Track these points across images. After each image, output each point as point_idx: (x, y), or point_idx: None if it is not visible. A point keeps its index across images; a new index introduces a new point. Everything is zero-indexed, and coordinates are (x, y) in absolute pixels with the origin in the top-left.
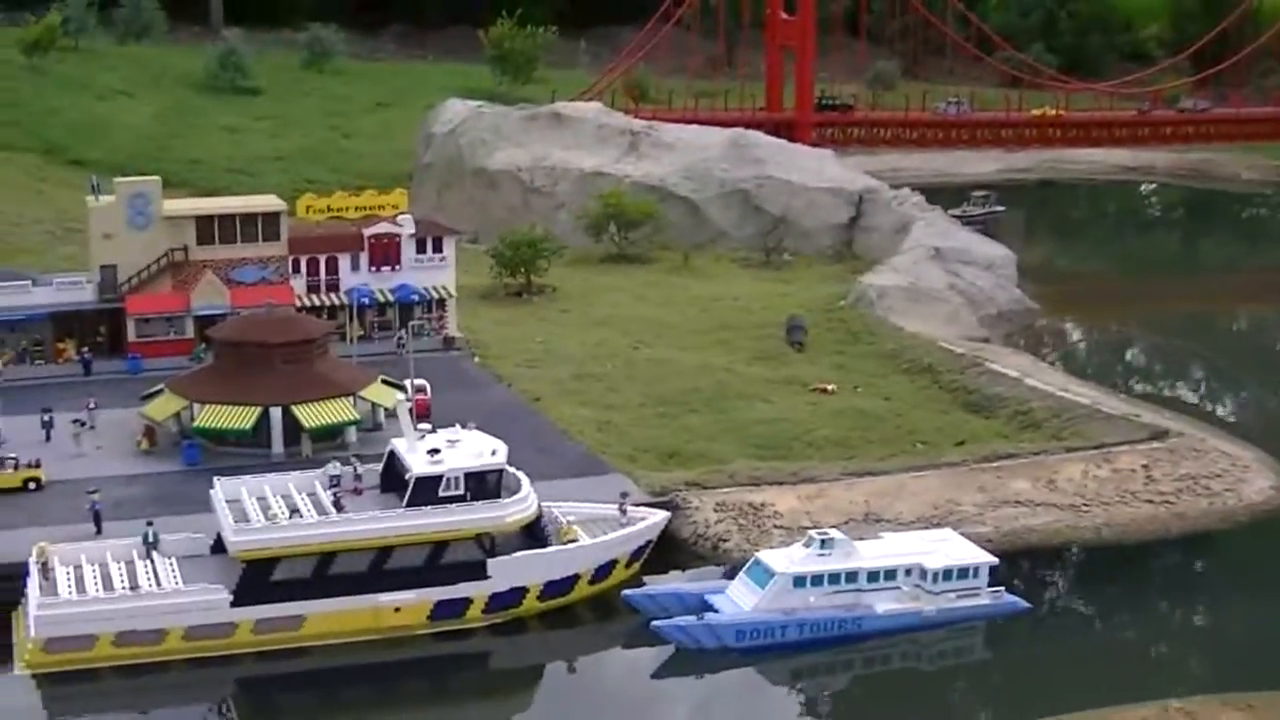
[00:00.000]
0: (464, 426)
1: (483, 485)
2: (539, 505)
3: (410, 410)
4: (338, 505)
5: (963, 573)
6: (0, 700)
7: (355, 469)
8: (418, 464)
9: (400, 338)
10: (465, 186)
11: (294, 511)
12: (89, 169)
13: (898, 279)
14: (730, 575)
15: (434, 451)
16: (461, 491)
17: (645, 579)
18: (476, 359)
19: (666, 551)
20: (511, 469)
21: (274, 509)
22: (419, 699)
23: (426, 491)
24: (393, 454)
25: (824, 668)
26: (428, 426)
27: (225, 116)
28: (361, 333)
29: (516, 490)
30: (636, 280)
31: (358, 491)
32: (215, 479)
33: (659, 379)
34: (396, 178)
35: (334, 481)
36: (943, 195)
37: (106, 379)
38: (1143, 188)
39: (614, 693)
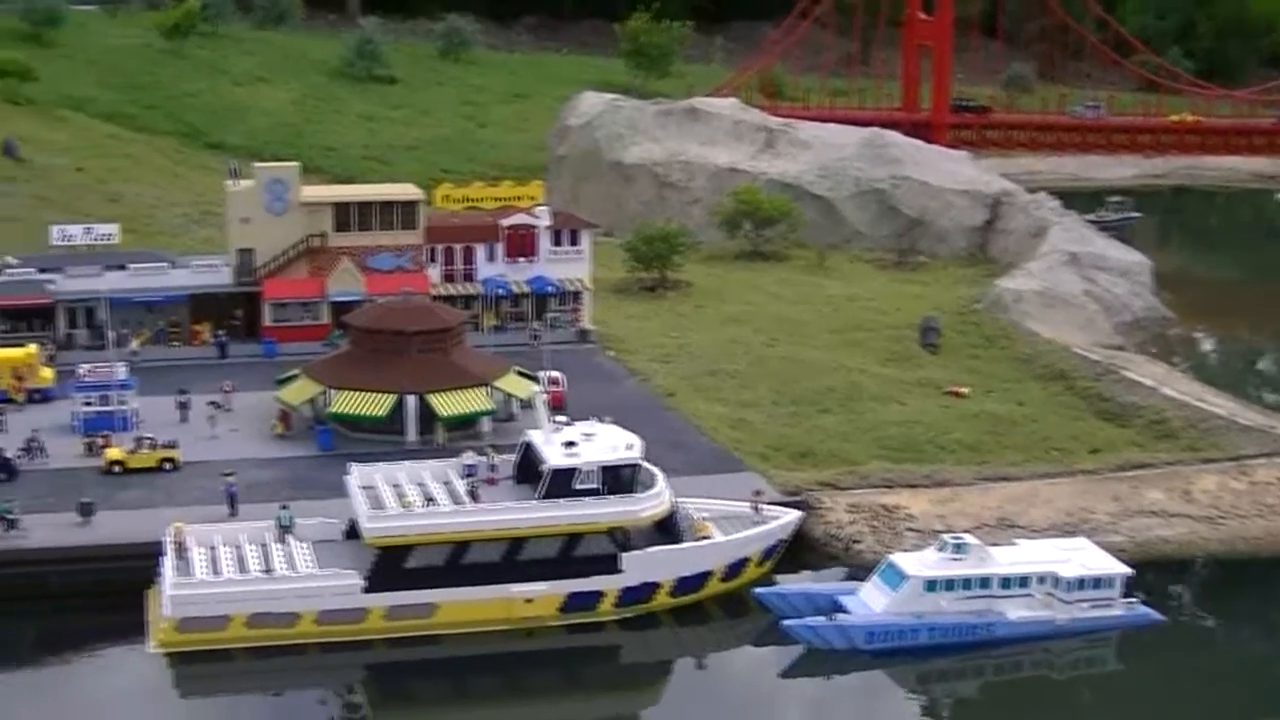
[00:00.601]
0: (600, 420)
1: (618, 479)
2: (673, 501)
3: (546, 402)
4: (473, 495)
5: (1096, 582)
6: (133, 678)
7: (490, 459)
8: (553, 456)
9: (534, 329)
10: (600, 179)
11: (429, 500)
12: (226, 153)
13: (1033, 283)
14: (849, 577)
15: (570, 444)
16: (596, 485)
17: (776, 578)
18: (610, 352)
19: (798, 551)
20: (646, 464)
21: (409, 497)
22: (548, 691)
23: (561, 484)
24: (528, 445)
25: (953, 673)
26: (564, 419)
27: (361, 104)
28: (496, 323)
29: (651, 485)
30: (770, 278)
31: (492, 482)
32: (351, 465)
33: (792, 378)
34: (530, 169)
35: (469, 471)
36: (1077, 200)
37: (241, 362)
38: (1278, 196)
39: (742, 691)
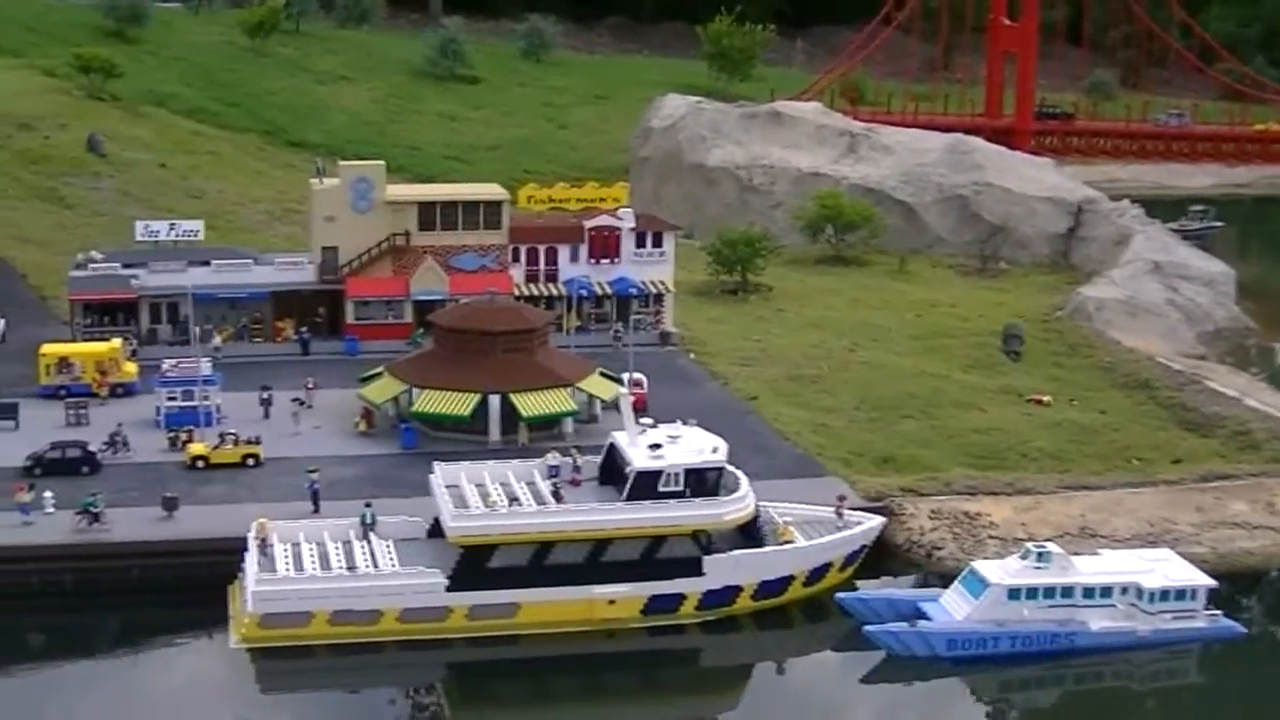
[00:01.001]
0: (685, 423)
1: (702, 482)
2: (756, 505)
3: (632, 404)
4: (557, 495)
5: (1180, 594)
6: (215, 672)
7: (574, 460)
8: (638, 458)
9: (617, 330)
10: (682, 182)
11: (513, 500)
12: (307, 151)
13: (1116, 292)
14: (922, 584)
15: (655, 446)
16: (681, 487)
17: (857, 584)
18: (692, 355)
19: (879, 557)
20: (731, 467)
21: (493, 496)
22: (628, 692)
23: (646, 486)
24: (613, 447)
25: (1034, 682)
26: (649, 421)
27: (443, 104)
28: (578, 324)
29: (735, 489)
30: (852, 283)
31: (576, 483)
32: (435, 464)
33: (873, 383)
34: (610, 170)
35: (553, 471)
36: (1159, 208)
37: (323, 359)
38: None
39: (822, 695)
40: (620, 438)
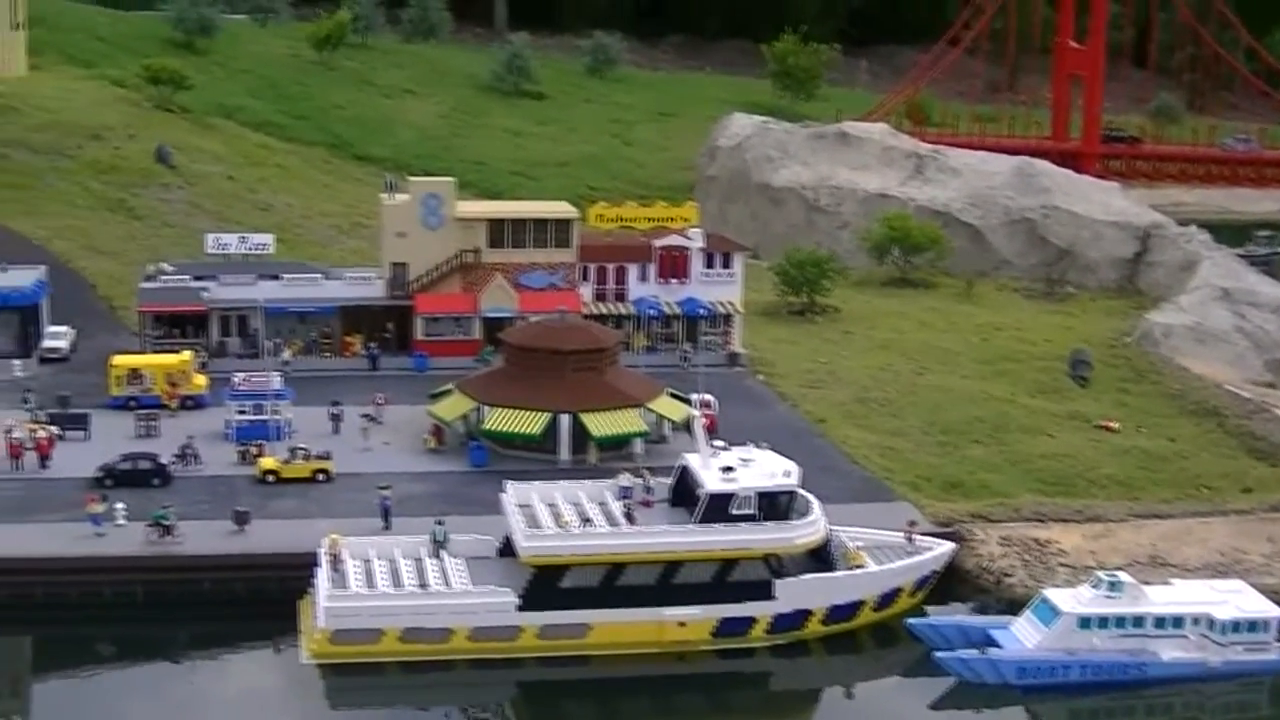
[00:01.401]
0: (757, 445)
1: (774, 506)
2: (828, 529)
3: (704, 426)
4: (629, 517)
5: (1252, 625)
6: (284, 688)
7: (646, 481)
8: (711, 480)
9: (684, 351)
10: (749, 201)
11: (585, 520)
12: (374, 165)
13: (1183, 318)
14: (980, 611)
15: (727, 469)
16: (753, 511)
17: (926, 609)
18: (759, 376)
19: (948, 583)
20: (803, 491)
21: (565, 516)
22: (697, 715)
23: (718, 509)
24: (685, 469)
25: (1104, 712)
26: (722, 443)
27: (508, 119)
28: (646, 344)
29: (806, 513)
30: (919, 305)
31: (647, 504)
32: (507, 483)
33: (941, 407)
34: (675, 188)
35: (624, 493)
36: (1224, 233)
37: (392, 375)
38: None
39: None
40: (692, 460)
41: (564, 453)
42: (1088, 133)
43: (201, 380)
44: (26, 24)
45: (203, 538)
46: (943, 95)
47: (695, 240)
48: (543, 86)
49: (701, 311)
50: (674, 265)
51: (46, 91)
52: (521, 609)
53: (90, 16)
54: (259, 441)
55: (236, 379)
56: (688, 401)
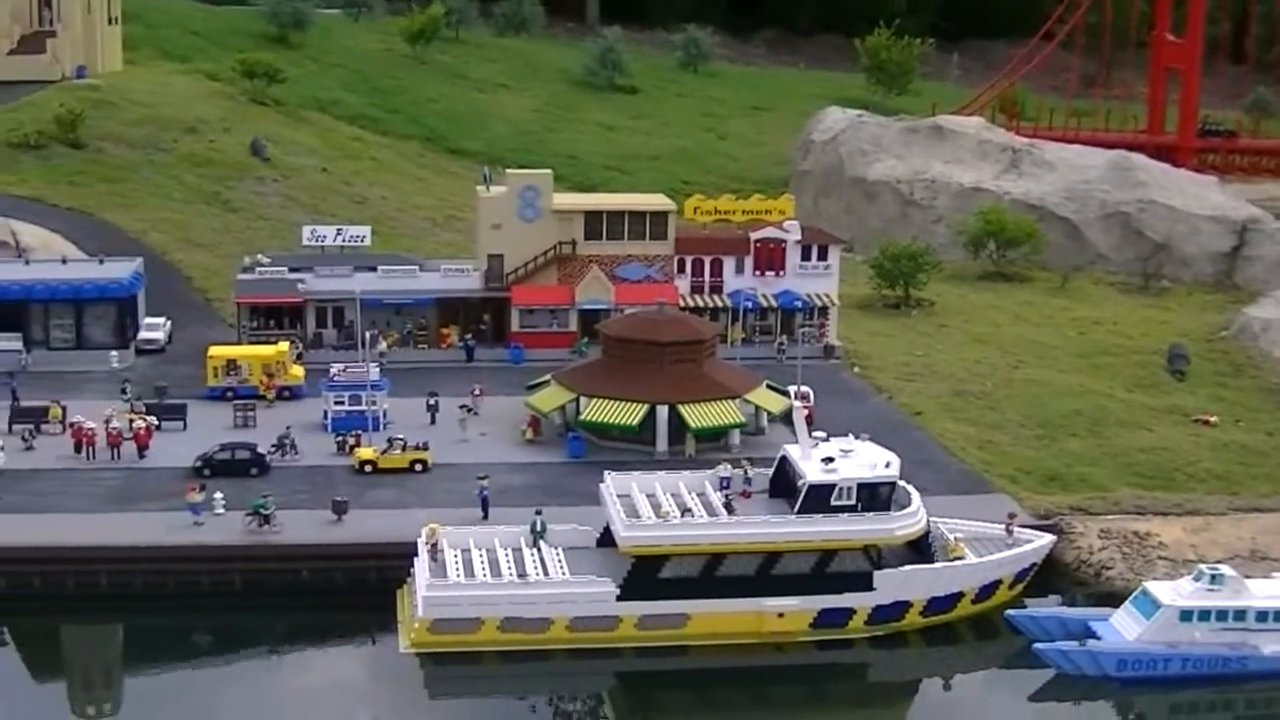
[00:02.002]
0: (857, 437)
1: (874, 497)
2: (927, 520)
3: (805, 418)
4: (728, 507)
5: None
6: (384, 676)
7: (745, 472)
8: (811, 471)
9: (781, 343)
10: (843, 195)
11: (685, 511)
12: (468, 158)
13: None
14: (1070, 603)
15: (828, 460)
16: (853, 502)
17: (1025, 602)
18: (855, 369)
19: (1046, 575)
20: (903, 483)
21: (665, 507)
22: (795, 705)
23: (818, 499)
24: (784, 459)
25: (1204, 705)
26: (822, 434)
27: (601, 113)
28: (743, 336)
29: (906, 504)
30: (1014, 299)
31: (746, 495)
32: (606, 473)
33: (1038, 400)
34: (770, 182)
35: (724, 483)
36: None
37: (488, 366)
38: None
39: (989, 713)
40: (792, 451)
41: (661, 444)
42: (1184, 126)
43: (298, 371)
44: (121, 19)
45: (301, 527)
46: (1036, 89)
47: (792, 233)
48: (635, 81)
49: (798, 304)
50: (770, 258)
51: (142, 86)
52: (620, 599)
53: (185, 11)
54: (356, 432)
55: (334, 370)
56: (785, 394)
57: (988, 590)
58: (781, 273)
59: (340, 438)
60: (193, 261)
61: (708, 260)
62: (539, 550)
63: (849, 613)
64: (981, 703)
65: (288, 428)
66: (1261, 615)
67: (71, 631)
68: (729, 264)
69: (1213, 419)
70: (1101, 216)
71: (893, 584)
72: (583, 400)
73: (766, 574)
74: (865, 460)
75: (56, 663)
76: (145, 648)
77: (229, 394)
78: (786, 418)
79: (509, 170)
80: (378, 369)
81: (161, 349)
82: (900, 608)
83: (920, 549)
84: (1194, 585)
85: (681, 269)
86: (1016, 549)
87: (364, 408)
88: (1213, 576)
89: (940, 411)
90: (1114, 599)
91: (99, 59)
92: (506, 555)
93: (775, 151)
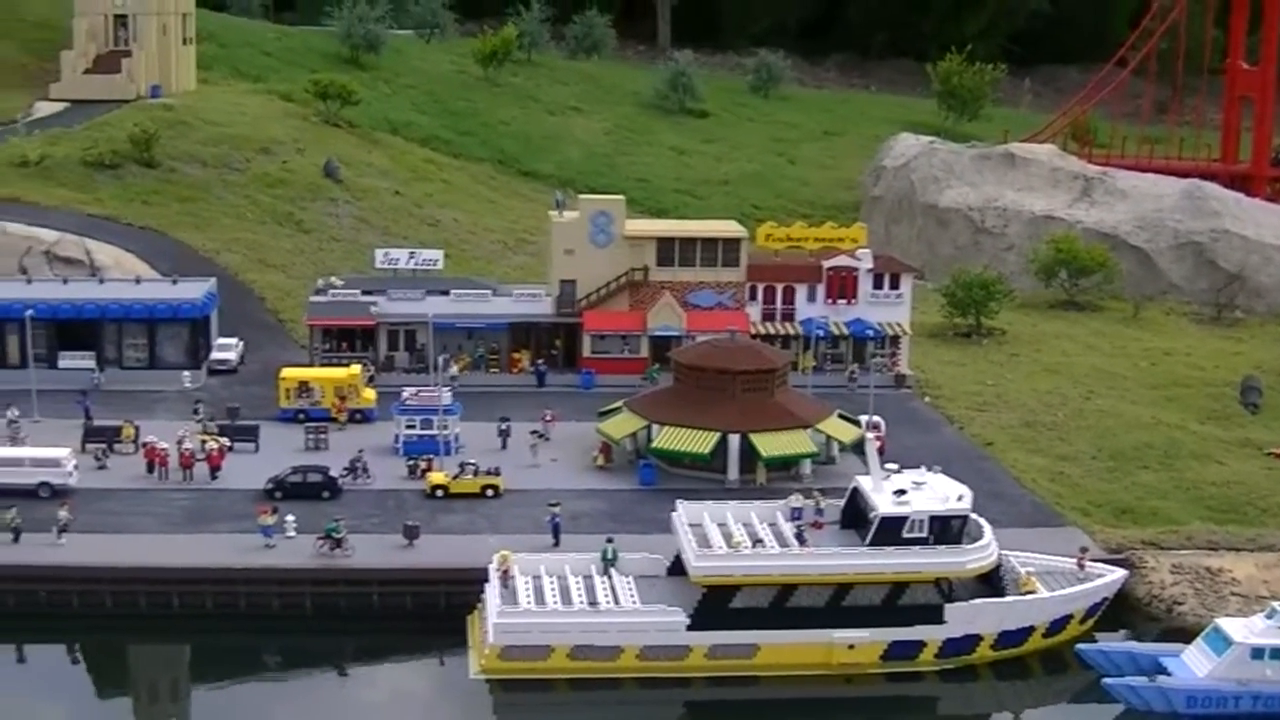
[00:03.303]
0: (929, 469)
1: (946, 530)
2: (999, 554)
3: (878, 449)
4: (800, 538)
5: None
6: (454, 703)
7: (817, 502)
8: (883, 503)
9: (852, 372)
10: (914, 222)
11: (756, 541)
12: (539, 181)
13: None
14: (1138, 639)
15: (900, 492)
16: (925, 534)
17: (1096, 636)
18: (926, 399)
19: (1117, 610)
20: (975, 516)
21: (737, 537)
22: None
23: (890, 532)
24: (856, 491)
25: None
26: (894, 466)
27: (672, 137)
28: (813, 364)
29: (978, 537)
30: (1086, 329)
31: (818, 526)
32: (678, 502)
33: (1110, 432)
34: (841, 208)
35: (795, 514)
36: None
37: (558, 392)
38: None
39: None
40: (864, 482)
41: (732, 473)
42: (1257, 155)
43: (370, 394)
44: (196, 39)
45: (372, 551)
46: (1108, 116)
47: (864, 261)
48: (706, 104)
49: (869, 333)
50: (842, 286)
51: (216, 106)
52: (691, 628)
53: (258, 32)
54: (428, 456)
55: (406, 393)
56: (856, 423)
57: (1059, 624)
58: (853, 301)
59: (412, 462)
60: (265, 282)
61: (779, 288)
62: (610, 578)
63: (919, 645)
64: None
65: (360, 451)
66: None
67: (142, 650)
68: (801, 291)
69: None
70: (1174, 246)
71: (963, 617)
72: (654, 427)
73: (837, 605)
74: (937, 493)
75: (126, 680)
76: (215, 667)
77: (301, 416)
78: (857, 447)
79: (582, 195)
80: (449, 393)
81: (233, 370)
82: (971, 641)
83: (991, 582)
84: (1266, 623)
85: (753, 296)
86: (1088, 583)
87: (435, 432)
88: None
89: (1011, 442)
90: (1185, 635)
91: (173, 79)
92: (577, 583)
93: (846, 177)
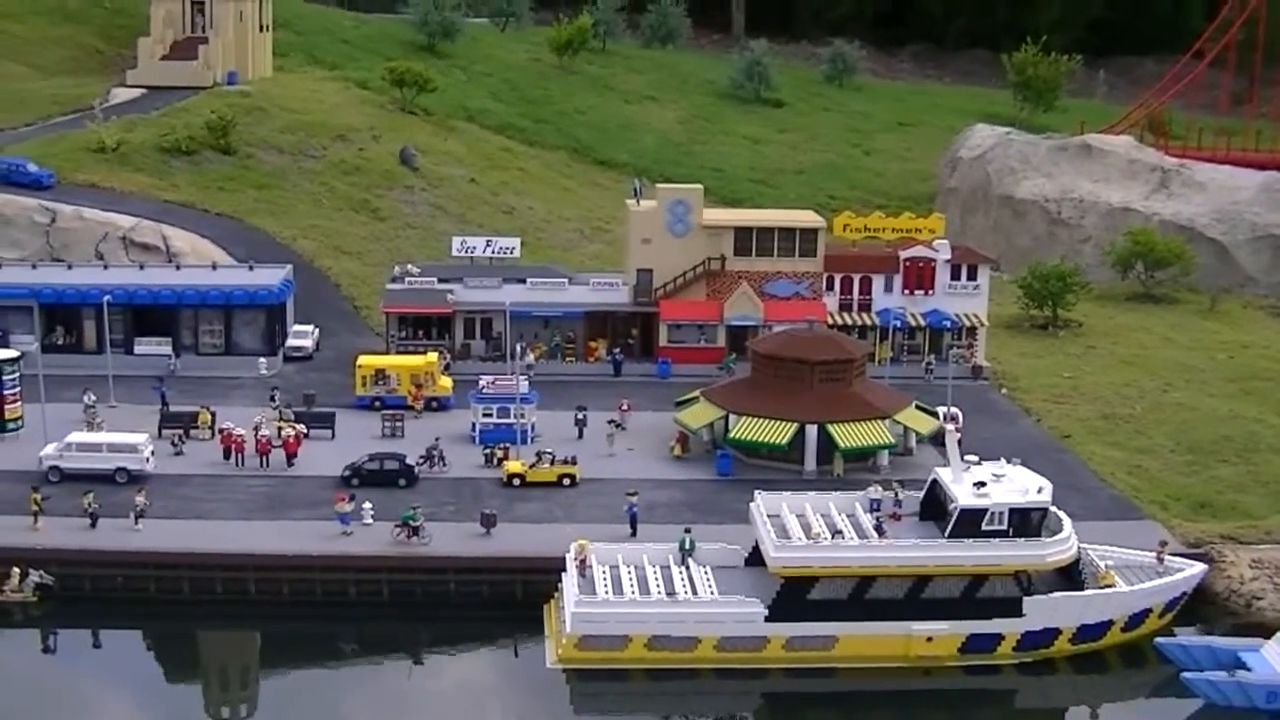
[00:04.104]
0: (1009, 461)
1: (1026, 522)
2: (1078, 547)
3: (959, 440)
4: (879, 530)
5: None
6: (531, 692)
7: (896, 494)
8: (963, 495)
9: (929, 363)
10: (990, 213)
11: (835, 532)
12: (614, 170)
13: None
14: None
15: (980, 484)
16: (1004, 527)
17: (1176, 630)
18: (1004, 390)
19: (1195, 605)
20: (1054, 509)
21: (815, 528)
22: None
23: (970, 524)
24: (935, 482)
25: None
26: (974, 458)
27: (747, 126)
28: (890, 355)
29: (1058, 530)
30: (1162, 321)
31: (897, 517)
32: (757, 493)
33: (1188, 425)
34: (916, 199)
35: (874, 505)
36: None
37: (635, 381)
38: None
39: None
40: (944, 474)
41: (810, 463)
42: None
43: (446, 382)
44: (272, 26)
45: (449, 539)
46: (1185, 107)
47: (942, 252)
48: (781, 94)
49: (946, 324)
50: (920, 277)
51: (292, 93)
52: (769, 619)
53: (334, 19)
54: (504, 445)
55: (482, 381)
56: (934, 415)
57: (1138, 619)
58: (930, 292)
59: (488, 450)
60: (341, 269)
61: (856, 278)
62: (687, 568)
63: (998, 638)
64: None
65: (436, 439)
66: None
67: (218, 636)
68: (878, 282)
69: None
70: (1252, 239)
71: (1042, 610)
72: (731, 418)
73: (916, 597)
74: (1017, 485)
75: (200, 666)
76: (290, 654)
77: (377, 404)
78: (935, 439)
79: (659, 184)
80: (526, 381)
81: (309, 356)
82: (1049, 634)
83: (1070, 576)
84: None
85: (830, 286)
86: (1167, 578)
87: (512, 420)
88: None
89: (1088, 435)
90: (1265, 630)
91: (250, 65)
92: (655, 573)
93: (921, 167)
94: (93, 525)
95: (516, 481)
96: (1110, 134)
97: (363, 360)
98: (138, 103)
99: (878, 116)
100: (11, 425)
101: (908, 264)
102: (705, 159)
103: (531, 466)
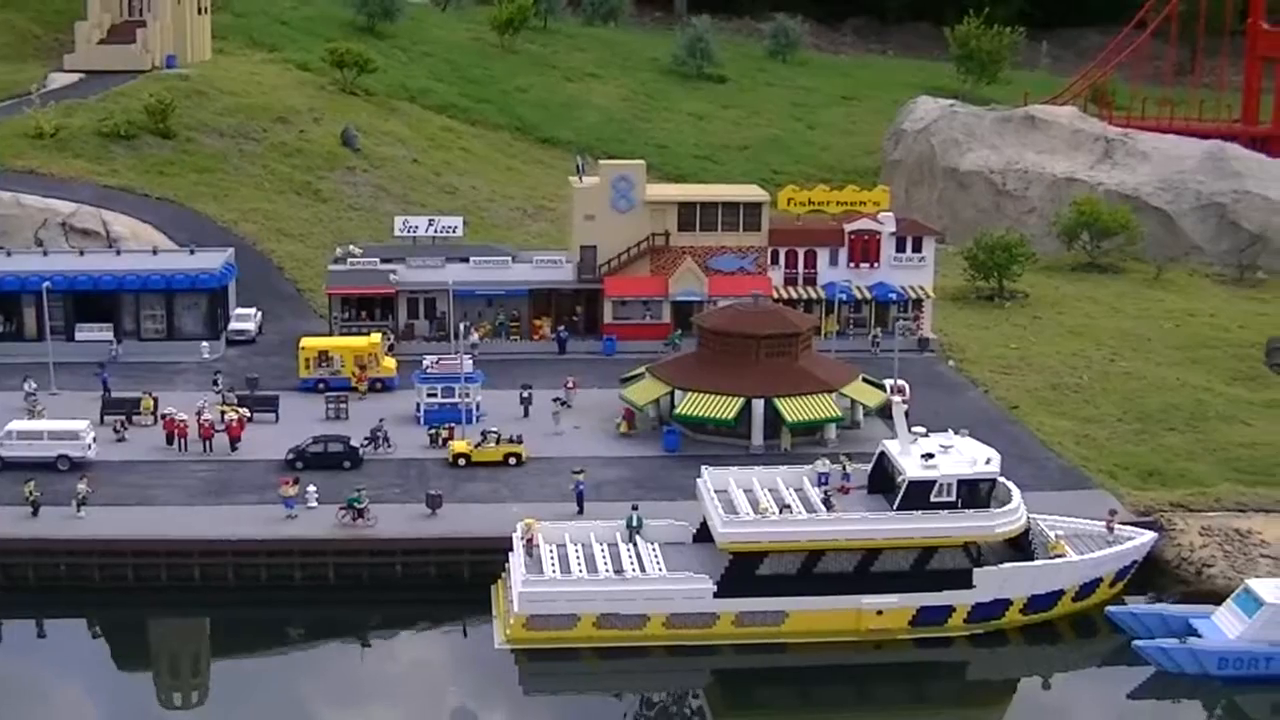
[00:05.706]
0: (957, 432)
1: (974, 494)
2: (1028, 518)
3: (906, 412)
4: (827, 504)
5: None
6: (479, 672)
7: (844, 467)
8: (911, 467)
9: (875, 336)
10: (935, 185)
11: (783, 507)
12: (557, 148)
13: None
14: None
15: (928, 456)
16: (953, 498)
17: (1126, 599)
18: (951, 362)
19: (1146, 573)
20: (1003, 479)
21: (763, 503)
22: (893, 704)
23: (918, 496)
24: (883, 455)
25: None
26: (921, 430)
27: (691, 103)
28: (836, 329)
29: (1007, 501)
30: (1108, 291)
31: (845, 491)
32: (704, 468)
33: (1136, 394)
34: (861, 172)
35: (822, 479)
36: None
37: (580, 358)
38: None
39: (1089, 711)
40: (891, 446)
41: (757, 438)
42: (1278, 116)
43: (390, 363)
44: (211, 8)
45: (395, 521)
46: (1128, 78)
47: (887, 224)
48: (724, 70)
49: (892, 296)
50: (865, 250)
51: (232, 75)
52: (718, 595)
53: (274, 1)
54: (449, 425)
55: (427, 362)
56: (881, 387)
57: (1088, 588)
58: (876, 265)
59: (433, 430)
60: (283, 252)
61: (802, 252)
62: (635, 546)
63: (948, 610)
64: (1081, 701)
65: (380, 420)
66: None
67: (163, 623)
68: (823, 256)
69: None
70: (1197, 207)
71: (993, 582)
72: (678, 393)
73: (865, 571)
74: (965, 456)
75: (147, 653)
76: (237, 639)
77: (321, 386)
78: (882, 412)
79: (602, 161)
80: (470, 361)
81: (252, 340)
82: (1000, 605)
83: (1020, 546)
84: None
85: (775, 260)
86: (1118, 546)
87: (457, 400)
88: None
89: (1037, 405)
90: (1215, 597)
91: (189, 49)
92: (602, 551)
93: (865, 141)
94: (34, 514)
95: (462, 462)
96: (1054, 105)
97: (306, 342)
98: (76, 87)
99: (821, 90)
100: None
101: (853, 237)
102: (649, 136)
103: (477, 446)
